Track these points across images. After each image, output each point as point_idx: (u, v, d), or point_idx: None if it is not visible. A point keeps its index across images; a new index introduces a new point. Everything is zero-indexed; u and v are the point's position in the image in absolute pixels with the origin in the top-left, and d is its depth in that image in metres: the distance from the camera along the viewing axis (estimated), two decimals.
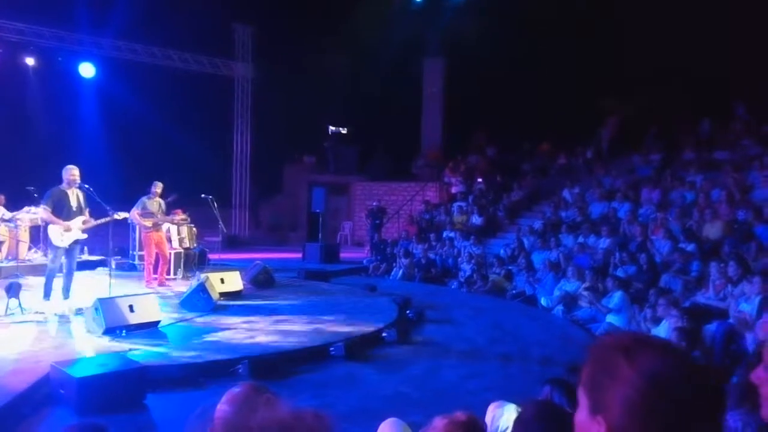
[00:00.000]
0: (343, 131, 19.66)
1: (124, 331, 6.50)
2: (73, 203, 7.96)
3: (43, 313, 7.50)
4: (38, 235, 11.58)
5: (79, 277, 8.66)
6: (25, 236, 11.62)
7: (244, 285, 9.86)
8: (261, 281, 10.48)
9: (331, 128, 19.43)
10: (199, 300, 8.17)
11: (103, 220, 8.29)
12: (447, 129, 19.70)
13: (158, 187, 10.12)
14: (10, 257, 11.34)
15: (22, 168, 13.77)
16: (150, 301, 7.18)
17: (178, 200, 11.29)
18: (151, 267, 10.07)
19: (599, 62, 15.42)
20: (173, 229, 11.14)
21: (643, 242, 10.03)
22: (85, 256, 11.46)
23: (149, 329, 6.83)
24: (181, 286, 9.83)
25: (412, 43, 18.19)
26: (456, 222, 14.58)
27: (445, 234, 14.00)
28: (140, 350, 6.02)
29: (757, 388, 1.33)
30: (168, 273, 10.59)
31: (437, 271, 12.76)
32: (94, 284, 8.97)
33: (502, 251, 12.39)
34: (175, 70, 17.41)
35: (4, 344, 6.16)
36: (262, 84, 19.09)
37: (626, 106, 15.80)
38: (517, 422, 1.92)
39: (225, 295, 9.06)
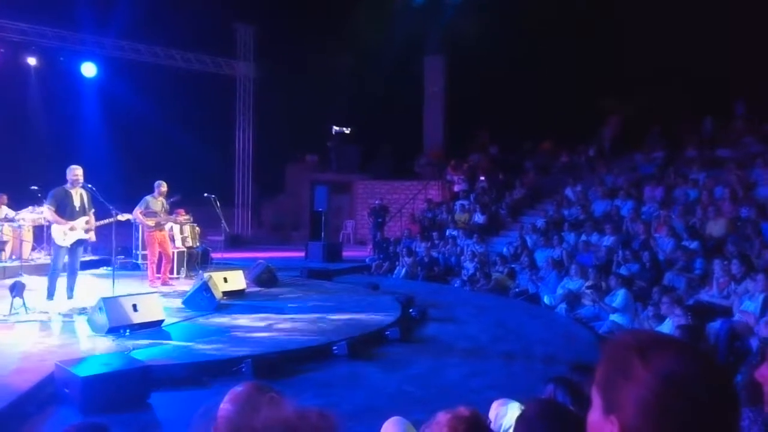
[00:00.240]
0: (347, 131, 19.66)
1: (127, 331, 6.51)
2: (77, 203, 7.98)
3: (47, 312, 7.52)
4: (42, 235, 11.62)
5: (83, 276, 8.68)
6: (28, 236, 11.65)
7: (247, 284, 9.86)
8: (264, 280, 10.49)
9: (335, 128, 19.44)
10: (202, 299, 8.18)
11: (105, 221, 8.30)
12: (449, 127, 19.70)
13: (163, 186, 10.13)
14: (13, 257, 11.38)
15: (25, 168, 13.82)
16: (153, 300, 7.19)
17: (181, 200, 11.31)
18: (155, 266, 10.09)
19: (600, 60, 15.41)
20: (176, 228, 11.16)
21: (646, 240, 10.01)
22: (89, 256, 11.49)
23: (153, 328, 6.84)
24: (184, 285, 9.85)
25: (413, 42, 18.18)
26: (458, 220, 14.58)
27: (448, 232, 14.00)
28: (144, 349, 6.03)
29: (761, 386, 1.33)
30: (171, 272, 10.61)
31: (440, 270, 12.76)
32: (98, 284, 8.99)
33: (505, 249, 12.38)
34: (177, 70, 17.44)
35: (9, 344, 6.18)
36: (265, 83, 19.11)
37: (627, 104, 15.79)
38: (520, 420, 1.91)
39: (228, 294, 9.07)
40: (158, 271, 10.14)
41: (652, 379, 0.95)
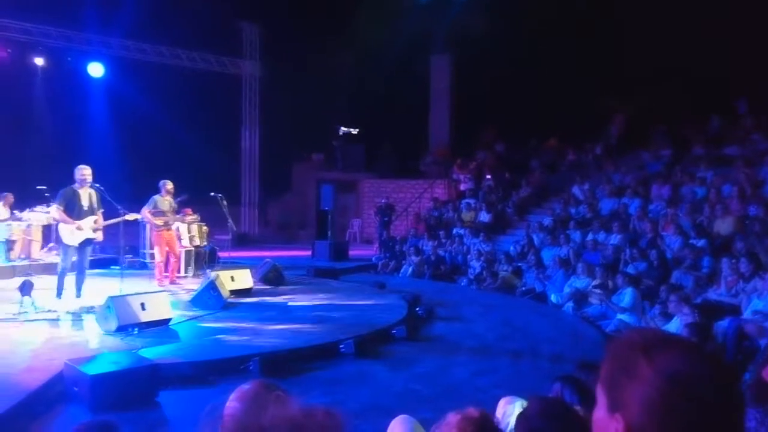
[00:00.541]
0: (354, 132, 19.68)
1: (136, 329, 6.55)
2: (85, 203, 8.02)
3: (55, 311, 7.57)
4: (50, 234, 11.69)
5: (91, 275, 8.73)
6: (37, 235, 11.72)
7: (254, 283, 9.90)
8: (271, 279, 10.52)
9: (342, 129, 19.46)
10: (209, 298, 8.22)
11: (113, 221, 8.34)
12: (455, 125, 19.66)
13: (168, 185, 10.16)
14: (22, 256, 11.45)
15: (32, 167, 13.92)
16: (161, 299, 7.22)
17: (188, 199, 11.35)
18: (162, 265, 10.14)
19: (605, 58, 15.35)
20: (183, 227, 11.20)
21: (653, 238, 9.96)
22: (97, 255, 11.55)
23: (161, 327, 6.88)
24: (192, 284, 9.89)
25: (419, 40, 18.16)
26: (464, 219, 14.56)
27: (454, 231, 13.98)
28: (152, 348, 6.06)
29: None
30: (179, 271, 10.65)
31: (446, 269, 12.75)
32: (106, 283, 9.03)
33: (511, 248, 12.36)
34: (183, 69, 17.49)
35: (18, 342, 6.23)
36: (270, 82, 19.14)
37: (632, 102, 15.73)
38: (521, 418, 1.90)
39: (235, 292, 9.10)
40: (166, 270, 10.19)
41: (657, 377, 0.95)
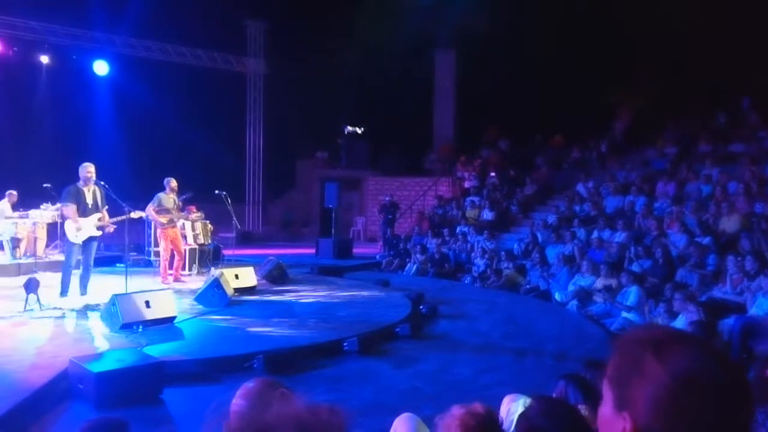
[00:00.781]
0: (359, 131, 19.69)
1: (140, 327, 6.57)
2: (89, 200, 8.04)
3: (60, 309, 7.60)
4: (56, 232, 11.73)
5: (96, 273, 8.76)
6: (42, 233, 11.77)
7: (258, 281, 9.91)
8: (275, 277, 10.53)
9: (348, 128, 19.47)
10: (213, 296, 8.23)
11: (118, 219, 8.36)
12: (459, 123, 19.63)
13: (172, 182, 10.18)
14: (28, 254, 11.50)
15: (37, 165, 13.94)
16: (166, 296, 7.24)
17: (192, 197, 11.37)
18: (167, 263, 10.16)
19: (610, 56, 15.29)
20: (188, 225, 11.22)
21: (658, 236, 9.93)
22: (102, 253, 11.58)
23: (165, 325, 6.89)
24: (196, 281, 9.90)
25: (423, 38, 18.13)
26: (468, 217, 14.54)
27: (458, 229, 13.96)
28: (156, 346, 6.08)
29: None
30: (183, 269, 10.67)
31: (450, 267, 12.74)
32: (111, 280, 9.06)
33: (515, 246, 12.34)
34: (188, 67, 17.52)
35: (24, 340, 6.26)
36: (275, 80, 19.14)
37: (638, 99, 15.67)
38: (522, 417, 1.88)
39: (239, 290, 9.12)
40: (170, 268, 10.21)
41: (666, 375, 0.93)
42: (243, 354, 5.94)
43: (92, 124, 16.37)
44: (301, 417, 1.03)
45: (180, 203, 10.46)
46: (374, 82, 17.03)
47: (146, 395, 4.85)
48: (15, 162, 14.05)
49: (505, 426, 2.29)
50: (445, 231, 14.01)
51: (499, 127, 18.36)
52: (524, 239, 12.45)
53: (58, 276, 8.19)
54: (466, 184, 16.67)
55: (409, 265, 13.11)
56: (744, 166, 11.47)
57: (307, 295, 9.53)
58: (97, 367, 4.82)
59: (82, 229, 7.95)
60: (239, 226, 12.37)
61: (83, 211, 7.97)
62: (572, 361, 6.10)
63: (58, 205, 8.06)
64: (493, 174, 16.49)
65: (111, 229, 8.33)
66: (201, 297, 8.29)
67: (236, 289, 9.00)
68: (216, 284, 8.28)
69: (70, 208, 7.91)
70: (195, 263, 11.34)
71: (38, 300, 7.49)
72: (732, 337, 6.61)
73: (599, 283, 9.12)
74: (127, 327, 6.51)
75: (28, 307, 7.37)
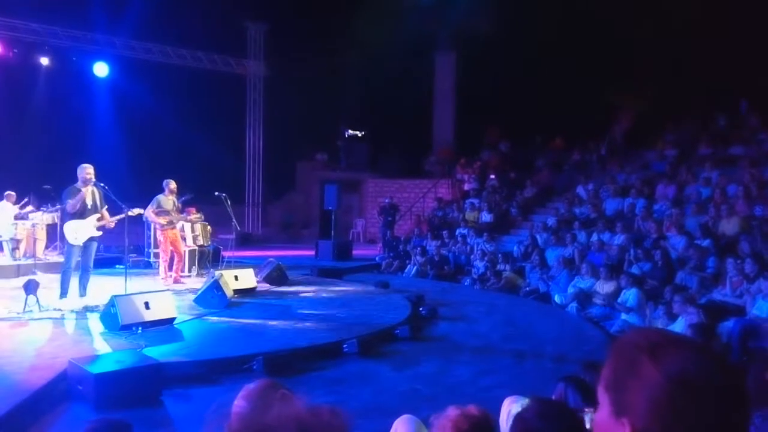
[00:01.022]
0: (360, 135, 19.70)
1: (139, 328, 6.56)
2: (89, 201, 8.03)
3: (60, 310, 7.60)
4: (55, 233, 11.72)
5: (96, 274, 8.75)
6: (42, 234, 11.76)
7: (257, 282, 9.91)
8: (274, 278, 10.53)
9: (349, 132, 19.48)
10: (213, 297, 8.23)
11: (117, 217, 8.36)
12: (459, 125, 19.63)
13: (171, 184, 10.18)
14: (27, 255, 11.49)
15: (37, 167, 13.94)
16: (165, 298, 7.24)
17: (192, 198, 11.37)
18: (167, 264, 10.16)
19: (611, 58, 15.31)
20: (187, 226, 11.22)
21: (658, 239, 9.93)
22: (101, 254, 11.58)
23: (164, 326, 6.89)
24: (196, 283, 9.90)
25: (423, 38, 18.14)
26: (468, 219, 14.54)
27: (458, 231, 13.97)
28: (156, 347, 6.07)
29: None
30: (183, 270, 10.67)
31: (450, 269, 12.74)
32: (110, 282, 9.06)
33: (515, 248, 12.34)
34: (188, 69, 17.53)
35: (23, 341, 6.25)
36: (275, 81, 19.16)
37: (638, 102, 15.68)
38: (517, 419, 1.86)
39: (239, 292, 9.11)
40: (170, 269, 10.21)
41: (664, 379, 0.92)
42: (242, 355, 5.93)
43: (92, 125, 16.38)
44: (302, 418, 1.03)
45: (179, 205, 10.47)
46: (374, 84, 17.04)
47: (145, 396, 4.84)
48: (15, 163, 14.04)
49: (505, 428, 2.29)
50: (445, 233, 14.01)
51: (499, 129, 18.36)
52: (524, 241, 12.45)
53: (58, 277, 8.18)
54: (466, 187, 16.67)
55: (408, 267, 13.11)
56: (743, 169, 11.49)
57: (307, 296, 9.53)
58: (96, 369, 4.82)
59: (81, 229, 7.95)
60: (239, 228, 12.37)
61: (82, 212, 7.97)
62: (572, 364, 6.10)
63: (67, 203, 8.02)
64: (492, 176, 16.49)
65: (112, 224, 8.32)
66: (200, 298, 8.29)
67: (236, 291, 8.99)
68: (216, 286, 8.28)
69: (71, 202, 7.87)
70: (194, 265, 11.33)
71: (37, 301, 7.49)
72: (731, 339, 6.61)
73: (599, 286, 9.12)
74: (126, 328, 6.50)
75: (27, 309, 7.37)
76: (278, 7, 17.41)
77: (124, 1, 15.46)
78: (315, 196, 19.33)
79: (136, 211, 8.71)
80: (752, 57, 13.35)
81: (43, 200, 11.92)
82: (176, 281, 10.13)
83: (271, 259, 11.25)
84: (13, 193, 12.04)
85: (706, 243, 9.19)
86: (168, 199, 10.12)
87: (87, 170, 8.00)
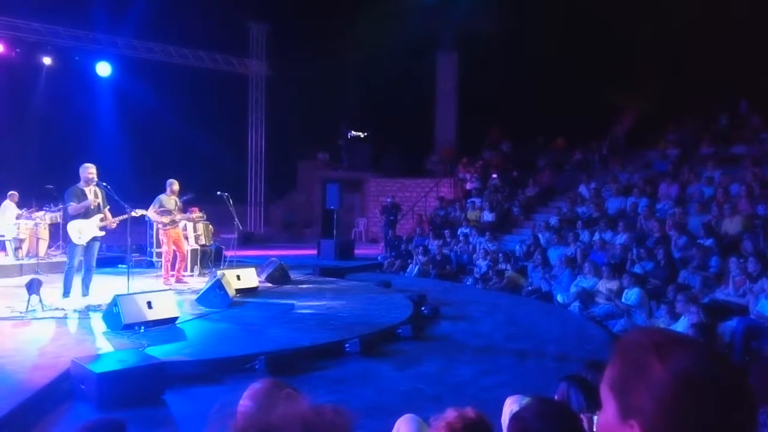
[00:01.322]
0: (362, 136, 19.71)
1: (142, 328, 6.57)
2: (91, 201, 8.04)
3: (63, 309, 7.61)
4: (58, 233, 11.74)
5: (98, 274, 8.77)
6: (45, 234, 11.78)
7: (259, 282, 9.92)
8: (276, 278, 10.54)
9: (351, 132, 19.48)
10: (215, 296, 8.24)
11: (120, 218, 8.37)
12: (461, 124, 19.63)
13: (174, 184, 10.19)
14: (30, 254, 11.51)
15: (40, 166, 13.97)
16: (167, 297, 7.25)
17: (194, 198, 11.39)
18: (169, 264, 10.17)
19: (613, 57, 15.29)
20: (190, 226, 11.24)
21: (660, 238, 9.92)
22: (104, 254, 11.60)
23: (167, 325, 6.90)
24: (198, 282, 9.92)
25: (425, 39, 18.13)
26: (470, 218, 14.54)
27: (460, 230, 13.96)
28: (158, 346, 6.08)
29: None
30: (185, 270, 10.68)
31: (452, 268, 12.73)
32: (113, 281, 9.07)
33: (517, 247, 12.33)
34: (190, 68, 17.55)
35: (26, 340, 6.27)
36: (277, 81, 19.17)
37: (640, 101, 15.67)
38: (515, 419, 1.85)
39: (241, 291, 9.12)
40: (172, 269, 10.22)
41: (671, 378, 0.91)
42: (245, 355, 5.94)
43: (94, 125, 16.40)
44: (307, 417, 1.03)
45: (181, 204, 10.48)
46: (376, 84, 17.04)
47: (148, 396, 4.85)
48: (18, 163, 14.07)
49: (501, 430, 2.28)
50: (447, 232, 14.01)
51: (500, 128, 18.36)
52: (526, 241, 12.45)
53: (61, 277, 8.20)
54: (468, 186, 16.67)
55: (410, 266, 13.11)
56: (746, 168, 11.47)
57: (309, 296, 9.53)
58: (99, 368, 4.83)
59: (85, 229, 7.96)
60: (241, 227, 12.38)
61: (86, 212, 7.98)
62: (574, 363, 6.09)
63: (70, 204, 8.03)
64: (495, 175, 16.48)
65: (113, 225, 8.33)
66: (203, 298, 8.30)
67: (238, 290, 9.00)
68: (218, 285, 8.29)
69: (75, 206, 7.89)
70: (197, 264, 11.35)
71: (40, 301, 7.50)
72: (734, 338, 6.60)
73: (602, 285, 9.11)
74: (129, 328, 6.51)
75: (30, 308, 7.38)
76: (280, 7, 17.42)
77: (126, 0, 15.48)
78: (317, 196, 19.34)
79: (139, 212, 8.71)
80: (752, 57, 13.32)
81: (45, 200, 11.93)
82: (178, 281, 10.14)
83: (273, 258, 11.25)
84: (16, 193, 12.07)
85: (708, 242, 9.18)
86: (170, 199, 10.13)
87: (89, 170, 8.00)
